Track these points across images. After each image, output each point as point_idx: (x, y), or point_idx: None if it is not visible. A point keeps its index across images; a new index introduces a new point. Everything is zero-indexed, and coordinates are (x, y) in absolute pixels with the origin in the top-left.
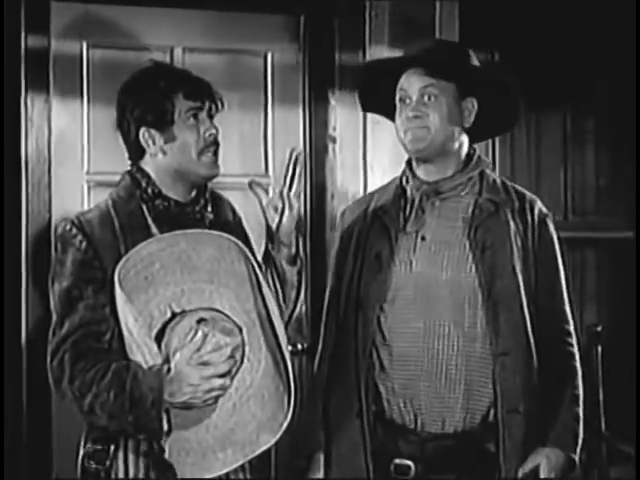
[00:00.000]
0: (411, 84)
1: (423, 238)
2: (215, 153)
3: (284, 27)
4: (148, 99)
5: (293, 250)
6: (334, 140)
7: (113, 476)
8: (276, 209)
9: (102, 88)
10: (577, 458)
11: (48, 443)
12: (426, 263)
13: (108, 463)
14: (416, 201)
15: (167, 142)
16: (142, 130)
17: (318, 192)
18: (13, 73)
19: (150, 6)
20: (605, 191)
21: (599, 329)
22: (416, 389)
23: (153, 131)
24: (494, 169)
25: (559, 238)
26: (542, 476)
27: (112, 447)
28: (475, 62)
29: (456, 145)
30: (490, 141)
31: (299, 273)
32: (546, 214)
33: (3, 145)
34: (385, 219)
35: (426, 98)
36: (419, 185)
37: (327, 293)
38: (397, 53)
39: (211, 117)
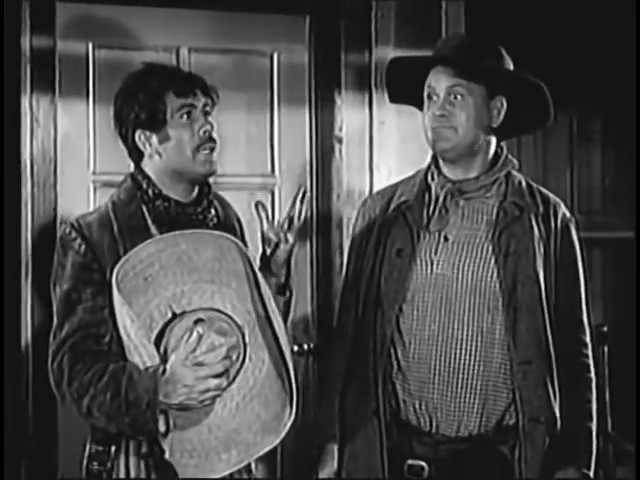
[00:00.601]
0: (439, 82)
1: (446, 238)
2: (212, 150)
3: (290, 27)
4: (140, 101)
5: (282, 280)
6: (340, 140)
7: (114, 477)
8: (271, 240)
9: (108, 88)
10: (591, 473)
11: (54, 443)
12: (447, 264)
13: (109, 464)
14: (440, 199)
15: (162, 142)
16: (138, 132)
17: (324, 192)
18: (15, 73)
19: (156, 6)
20: (611, 191)
21: (605, 329)
22: (432, 392)
23: (148, 132)
24: None
25: (581, 245)
26: None
27: (113, 448)
28: (506, 63)
29: (483, 145)
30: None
31: (286, 304)
32: (569, 219)
33: (3, 145)
34: (408, 215)
35: (452, 97)
36: (444, 182)
37: (342, 282)
38: (403, 53)
39: (206, 113)
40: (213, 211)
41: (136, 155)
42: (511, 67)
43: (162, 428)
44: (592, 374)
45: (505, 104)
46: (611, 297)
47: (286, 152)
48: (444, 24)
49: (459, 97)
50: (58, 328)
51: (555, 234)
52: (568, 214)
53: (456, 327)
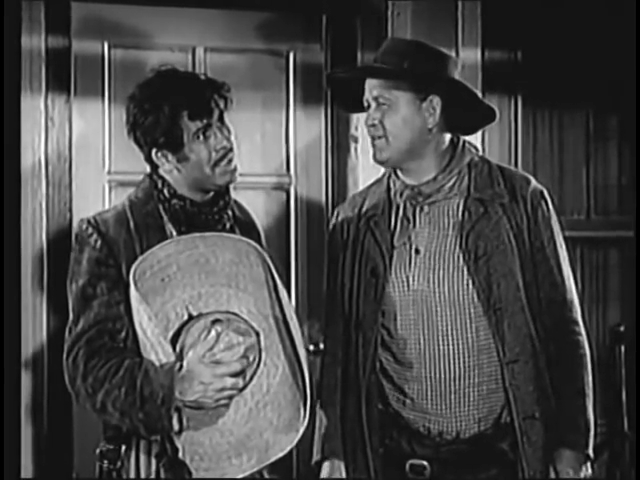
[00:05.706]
0: (369, 93)
1: (417, 251)
2: (229, 161)
3: (306, 27)
4: (155, 124)
5: None
6: (356, 140)
7: (124, 476)
8: None
9: (123, 88)
10: (590, 452)
11: (69, 443)
12: (423, 279)
13: (119, 463)
14: (401, 209)
15: (180, 161)
16: (154, 150)
17: (340, 192)
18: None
19: (171, 6)
20: (628, 190)
21: (622, 329)
22: (428, 406)
23: (165, 151)
24: (516, 166)
25: (559, 217)
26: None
27: (123, 447)
28: (439, 61)
29: (429, 146)
30: (513, 140)
31: None
32: (540, 194)
33: (3, 146)
34: (376, 232)
35: (380, 106)
36: (403, 189)
37: (325, 295)
38: None
39: (222, 121)
40: (230, 212)
41: (152, 165)
42: (452, 66)
43: (176, 426)
44: (585, 350)
45: (440, 103)
46: (628, 297)
47: (302, 151)
48: (460, 23)
49: (385, 106)
50: (73, 323)
51: (527, 217)
52: (539, 188)
53: (441, 342)
